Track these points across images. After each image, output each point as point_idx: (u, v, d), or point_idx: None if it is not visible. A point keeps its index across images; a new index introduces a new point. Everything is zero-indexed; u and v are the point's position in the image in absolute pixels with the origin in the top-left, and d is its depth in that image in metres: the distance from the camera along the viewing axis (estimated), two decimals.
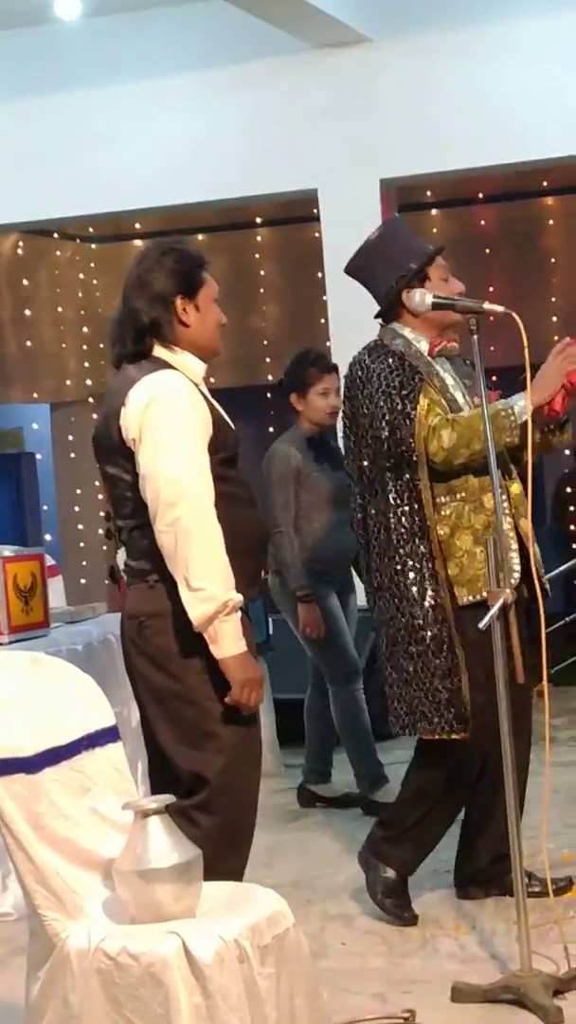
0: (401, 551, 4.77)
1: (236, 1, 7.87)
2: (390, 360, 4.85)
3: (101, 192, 9.25)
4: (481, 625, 4.20)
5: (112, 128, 9.14)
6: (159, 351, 4.06)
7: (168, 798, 3.44)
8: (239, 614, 3.93)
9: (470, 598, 4.73)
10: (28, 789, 3.38)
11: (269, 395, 13.08)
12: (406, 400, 4.75)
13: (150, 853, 3.35)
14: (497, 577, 4.19)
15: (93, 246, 13.42)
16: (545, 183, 12.55)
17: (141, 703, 4.14)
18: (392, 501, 4.79)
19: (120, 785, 3.60)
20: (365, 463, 4.88)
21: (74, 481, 12.74)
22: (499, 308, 4.42)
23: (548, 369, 4.72)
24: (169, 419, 3.94)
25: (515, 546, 4.79)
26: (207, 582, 3.85)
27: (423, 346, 4.92)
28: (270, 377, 13.20)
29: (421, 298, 4.57)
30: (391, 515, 4.78)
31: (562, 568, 8.89)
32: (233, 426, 4.18)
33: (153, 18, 8.99)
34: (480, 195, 12.51)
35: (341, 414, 5.09)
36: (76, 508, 12.73)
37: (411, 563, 4.76)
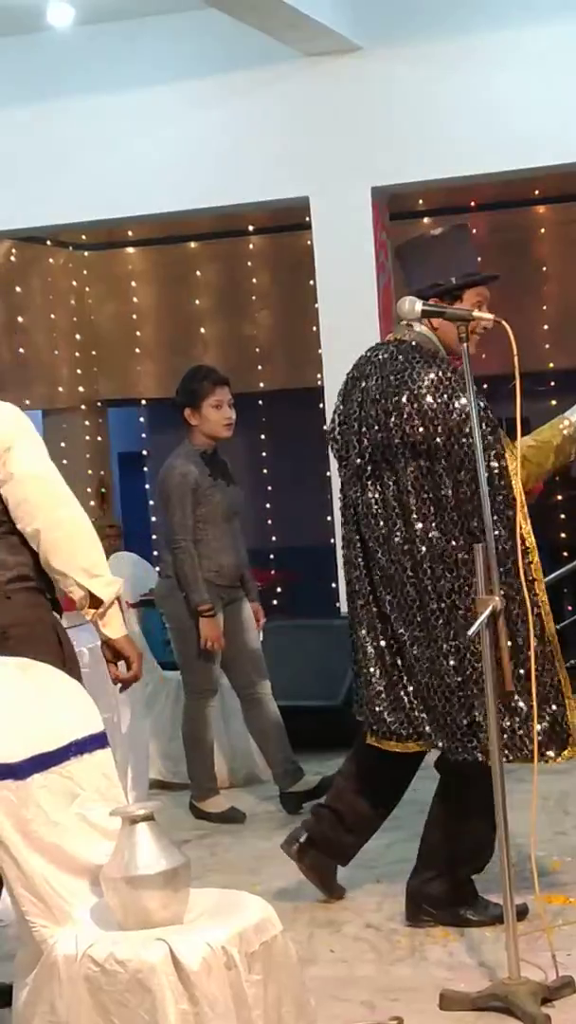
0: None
1: (229, 10, 7.88)
2: (450, 373, 4.63)
3: (94, 200, 9.25)
4: (470, 633, 4.20)
5: (104, 136, 9.14)
6: None
7: (156, 805, 3.44)
8: None
9: None
10: (16, 795, 3.38)
11: (261, 402, 13.09)
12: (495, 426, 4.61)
13: (138, 860, 3.35)
14: (486, 584, 4.18)
15: (86, 254, 13.45)
16: (537, 192, 12.58)
17: None
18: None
19: (108, 791, 3.60)
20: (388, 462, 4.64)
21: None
22: (489, 316, 4.40)
23: None
24: (34, 431, 4.22)
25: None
26: (104, 569, 4.14)
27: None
28: (262, 385, 13.21)
29: (411, 306, 4.38)
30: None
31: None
32: None
33: (145, 26, 9.00)
34: (472, 203, 12.53)
35: (339, 412, 4.84)
36: None
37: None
